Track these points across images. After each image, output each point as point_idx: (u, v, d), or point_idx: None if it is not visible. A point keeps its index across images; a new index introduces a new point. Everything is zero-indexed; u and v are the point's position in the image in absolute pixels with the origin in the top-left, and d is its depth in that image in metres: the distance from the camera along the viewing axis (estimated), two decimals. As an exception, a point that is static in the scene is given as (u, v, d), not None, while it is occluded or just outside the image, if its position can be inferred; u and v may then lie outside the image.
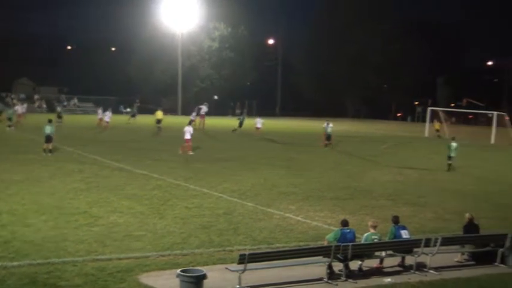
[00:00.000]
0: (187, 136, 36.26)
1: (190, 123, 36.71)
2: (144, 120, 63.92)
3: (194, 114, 55.79)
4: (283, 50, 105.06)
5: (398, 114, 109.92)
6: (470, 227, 16.36)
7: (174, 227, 18.07)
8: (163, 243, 16.13)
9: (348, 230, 14.61)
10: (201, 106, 58.96)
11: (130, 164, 30.58)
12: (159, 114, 55.36)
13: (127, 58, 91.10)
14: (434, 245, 14.99)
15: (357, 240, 14.87)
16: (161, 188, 24.37)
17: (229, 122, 58.03)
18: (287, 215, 20.53)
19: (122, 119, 66.16)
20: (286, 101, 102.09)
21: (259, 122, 54.36)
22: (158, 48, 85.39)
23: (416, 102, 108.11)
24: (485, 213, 21.76)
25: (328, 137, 45.62)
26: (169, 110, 79.44)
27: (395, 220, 15.59)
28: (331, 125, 46.23)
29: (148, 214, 19.46)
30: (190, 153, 35.97)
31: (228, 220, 19.29)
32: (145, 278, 13.27)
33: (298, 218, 20.10)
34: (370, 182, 28.96)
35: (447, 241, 15.48)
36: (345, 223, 14.84)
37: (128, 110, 78.03)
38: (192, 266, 13.54)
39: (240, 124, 54.64)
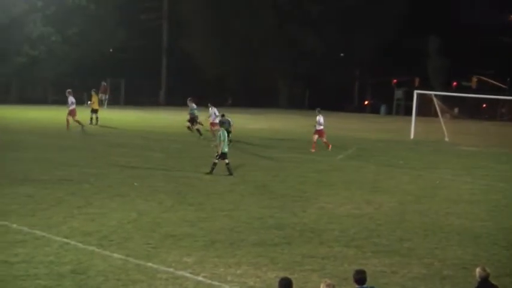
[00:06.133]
0: None
1: None
2: None
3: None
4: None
5: (366, 102, 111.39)
6: (486, 289, 16.75)
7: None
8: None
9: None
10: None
11: None
12: None
13: None
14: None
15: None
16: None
17: (83, 115, 57.41)
18: (180, 272, 20.58)
19: None
20: (175, 82, 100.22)
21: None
22: None
23: (395, 81, 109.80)
24: (507, 265, 22.31)
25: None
26: None
27: (361, 279, 15.82)
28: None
29: None
30: None
31: (79, 284, 19.12)
32: None
33: (199, 278, 20.18)
34: (319, 215, 29.32)
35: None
36: (285, 286, 14.97)
37: None
38: None
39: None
